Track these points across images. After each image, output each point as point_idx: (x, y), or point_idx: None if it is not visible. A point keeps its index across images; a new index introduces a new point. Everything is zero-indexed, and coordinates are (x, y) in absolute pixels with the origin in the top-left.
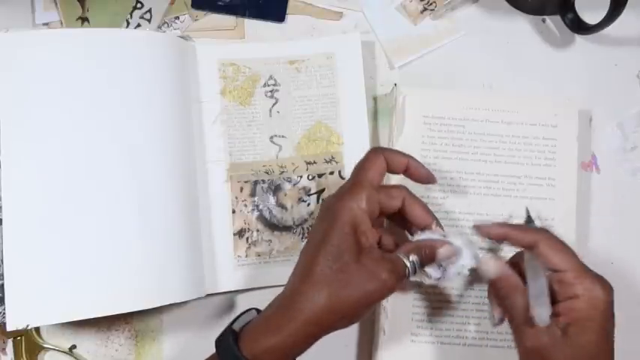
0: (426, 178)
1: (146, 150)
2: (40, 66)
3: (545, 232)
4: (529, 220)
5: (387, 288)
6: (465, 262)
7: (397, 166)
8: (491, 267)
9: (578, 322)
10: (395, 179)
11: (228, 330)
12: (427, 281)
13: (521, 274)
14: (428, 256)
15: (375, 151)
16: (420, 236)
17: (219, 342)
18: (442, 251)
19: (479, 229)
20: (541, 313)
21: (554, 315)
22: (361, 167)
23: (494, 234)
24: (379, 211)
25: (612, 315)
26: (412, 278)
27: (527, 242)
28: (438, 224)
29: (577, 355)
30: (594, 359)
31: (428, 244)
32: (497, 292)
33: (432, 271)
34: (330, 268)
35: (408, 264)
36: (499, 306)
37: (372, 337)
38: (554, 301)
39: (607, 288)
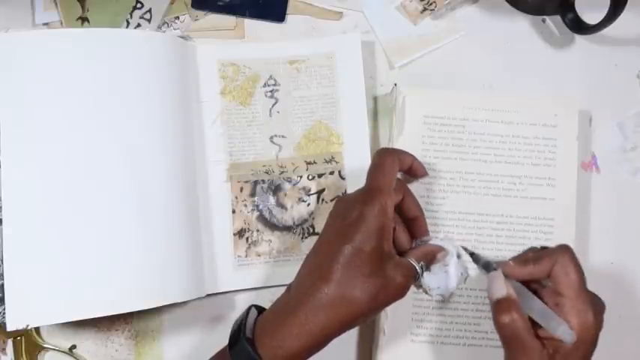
0: (422, 172)
1: (146, 150)
2: (40, 66)
3: (560, 253)
4: (474, 257)
5: (402, 291)
6: (453, 271)
7: (404, 166)
8: (500, 287)
9: (562, 350)
10: None
11: (241, 336)
12: (431, 293)
13: None
14: (430, 260)
15: (391, 154)
16: (420, 242)
17: (233, 350)
18: (439, 256)
19: (505, 268)
20: (563, 331)
21: (544, 339)
22: (381, 172)
23: (520, 276)
24: None
25: (598, 337)
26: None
27: (546, 274)
28: (423, 219)
29: None
30: None
31: (431, 250)
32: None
33: (432, 282)
34: (352, 269)
35: (419, 269)
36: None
37: (372, 337)
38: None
39: (598, 312)
